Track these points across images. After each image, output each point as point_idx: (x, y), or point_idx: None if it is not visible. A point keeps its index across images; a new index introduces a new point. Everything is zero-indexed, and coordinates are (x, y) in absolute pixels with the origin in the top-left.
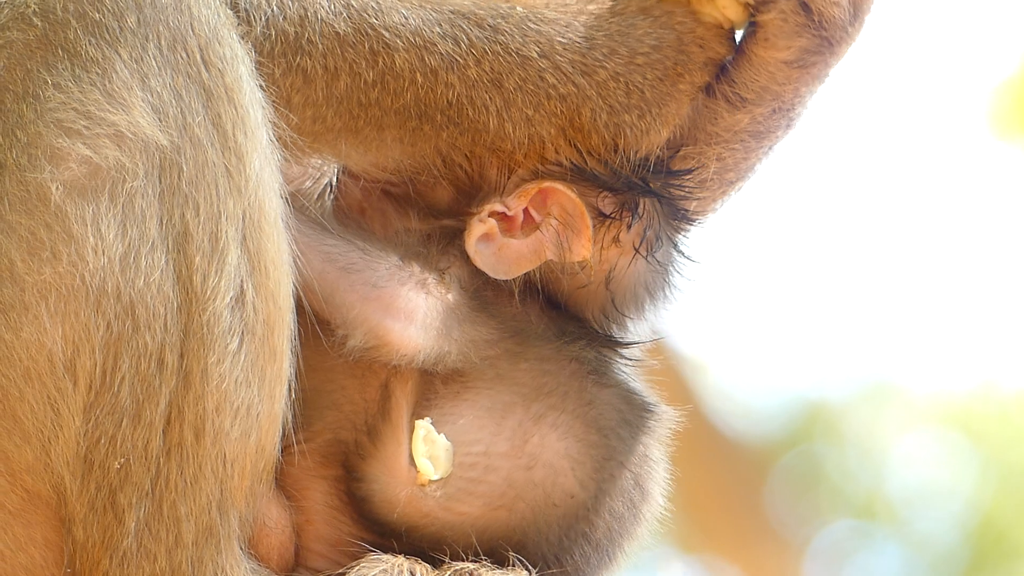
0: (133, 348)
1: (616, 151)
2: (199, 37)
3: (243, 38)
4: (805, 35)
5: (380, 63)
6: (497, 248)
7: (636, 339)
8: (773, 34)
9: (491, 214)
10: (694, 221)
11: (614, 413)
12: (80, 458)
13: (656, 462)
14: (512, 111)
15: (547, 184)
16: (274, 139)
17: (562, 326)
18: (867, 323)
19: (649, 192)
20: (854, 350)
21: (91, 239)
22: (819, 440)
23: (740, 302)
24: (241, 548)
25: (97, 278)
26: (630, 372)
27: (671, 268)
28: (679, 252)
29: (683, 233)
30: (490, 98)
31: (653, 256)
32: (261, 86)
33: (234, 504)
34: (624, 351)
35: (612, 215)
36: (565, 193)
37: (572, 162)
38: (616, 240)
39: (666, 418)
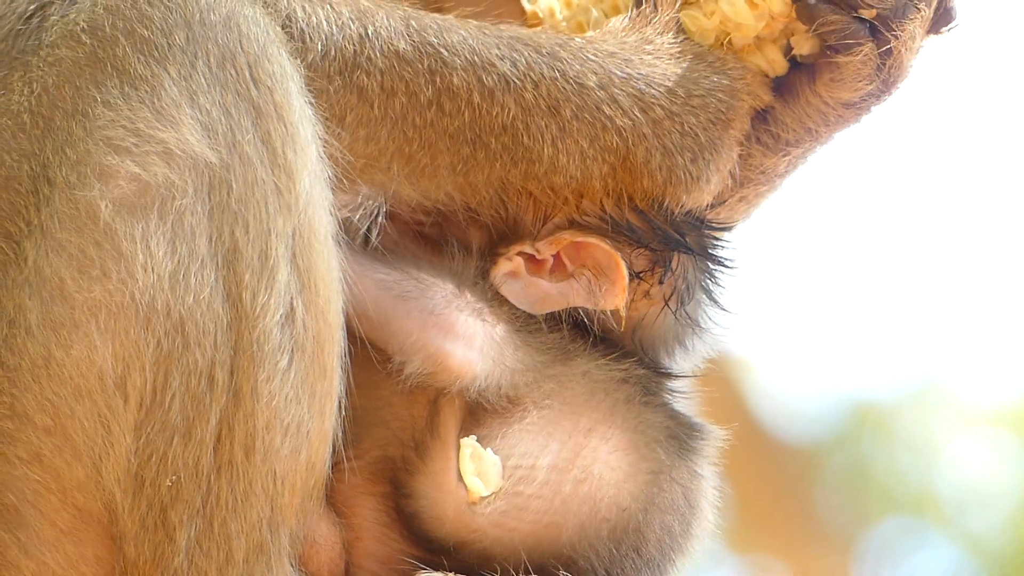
0: (183, 365)
1: (662, 203)
2: (248, 54)
3: (295, 57)
4: (876, 80)
5: (438, 82)
6: (524, 285)
7: (682, 372)
8: (848, 76)
9: (519, 254)
10: (728, 270)
11: (663, 429)
12: (131, 476)
13: (706, 479)
14: (567, 141)
15: (581, 238)
16: (324, 156)
17: (611, 348)
18: (917, 325)
19: (686, 248)
20: (904, 352)
21: (141, 257)
22: (868, 440)
23: (789, 303)
24: (291, 565)
25: (147, 296)
26: (678, 397)
27: (701, 319)
28: (712, 300)
29: (716, 283)
30: (546, 125)
31: (683, 309)
32: (311, 103)
33: (284, 521)
34: (672, 381)
35: (644, 272)
36: (600, 247)
37: (610, 216)
38: (647, 294)
39: (714, 437)
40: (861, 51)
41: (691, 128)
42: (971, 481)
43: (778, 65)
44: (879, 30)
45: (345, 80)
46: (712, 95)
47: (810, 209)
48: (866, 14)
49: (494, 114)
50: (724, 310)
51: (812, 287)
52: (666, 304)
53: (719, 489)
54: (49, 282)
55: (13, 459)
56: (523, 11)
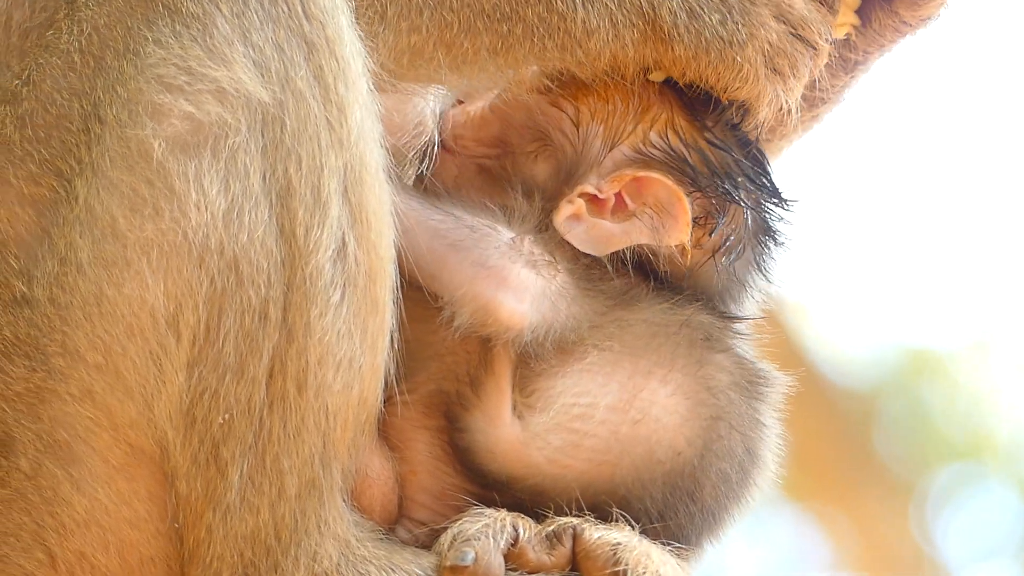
0: (236, 303)
1: (710, 83)
2: None
3: None
4: None
5: None
6: (587, 227)
7: (745, 315)
8: None
9: (581, 195)
10: (782, 243)
11: (725, 375)
12: (183, 413)
13: (768, 428)
14: (596, 3)
15: (643, 173)
16: (374, 89)
17: (673, 291)
18: (975, 271)
19: (740, 200)
20: (961, 298)
21: (193, 195)
22: (926, 387)
23: (849, 249)
24: (344, 500)
25: (200, 234)
26: (742, 340)
27: (748, 276)
28: (758, 265)
29: (768, 251)
30: None
31: (732, 264)
32: (361, 34)
33: (336, 456)
34: (734, 323)
35: (698, 218)
36: (662, 181)
37: (671, 150)
38: (699, 243)
39: (779, 384)
40: None
41: None
42: None
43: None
44: None
45: None
46: None
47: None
48: None
49: None
50: (767, 279)
51: (871, 233)
52: (712, 256)
53: (781, 437)
54: (101, 220)
55: (65, 396)
56: None
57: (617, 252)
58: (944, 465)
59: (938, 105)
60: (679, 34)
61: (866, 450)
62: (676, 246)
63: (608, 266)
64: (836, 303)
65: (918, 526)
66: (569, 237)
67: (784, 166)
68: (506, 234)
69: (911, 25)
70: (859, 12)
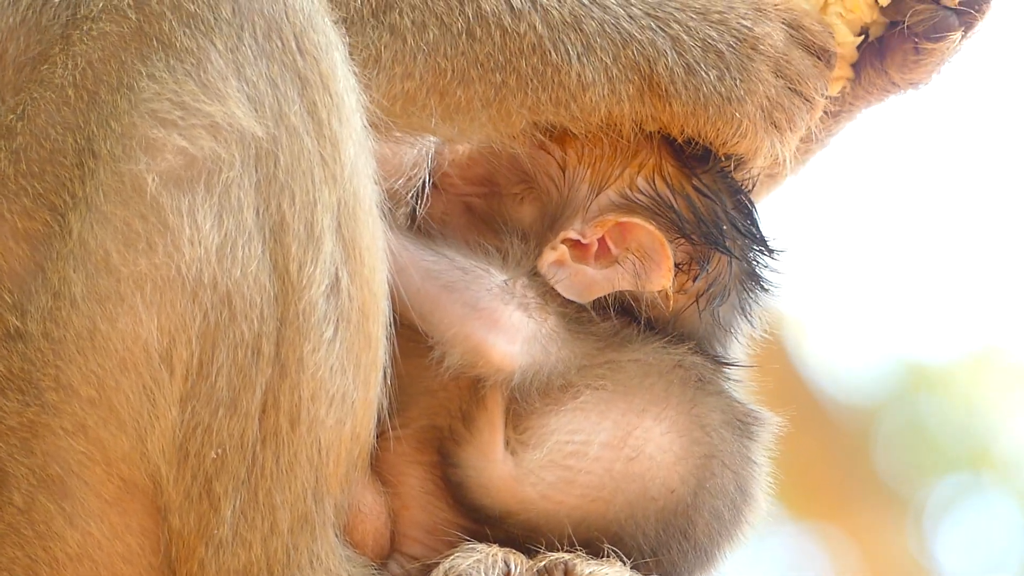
0: (230, 338)
1: (707, 139)
2: (294, 25)
3: (334, 13)
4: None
5: (468, 10)
6: (570, 273)
7: (736, 359)
8: (932, 61)
9: (564, 241)
10: (768, 290)
11: (717, 414)
12: (176, 447)
13: (759, 467)
14: (592, 59)
15: (626, 219)
16: (367, 125)
17: (663, 333)
18: (971, 284)
19: (725, 249)
20: (958, 311)
21: (187, 230)
22: (923, 401)
23: (845, 264)
24: (336, 535)
25: (193, 269)
26: (733, 382)
27: (732, 323)
28: (744, 316)
29: (753, 299)
30: (571, 42)
31: (716, 309)
32: (354, 72)
33: (329, 491)
34: (725, 366)
35: (681, 265)
36: (645, 228)
37: (658, 196)
38: (682, 289)
39: (770, 424)
40: (950, 38)
41: (712, 43)
42: None
43: (848, 50)
44: (964, 14)
45: (380, 20)
46: (733, 11)
47: (868, 170)
48: (950, 3)
49: (523, 32)
50: (752, 325)
51: (869, 248)
52: (696, 301)
53: (776, 463)
54: (94, 255)
55: (58, 430)
56: None
57: (601, 297)
58: (942, 479)
59: (935, 121)
60: (676, 90)
61: (864, 465)
62: (659, 292)
63: (591, 312)
64: (834, 318)
65: (917, 540)
66: (553, 283)
67: (777, 200)
68: (499, 276)
69: (899, 87)
70: (853, 66)
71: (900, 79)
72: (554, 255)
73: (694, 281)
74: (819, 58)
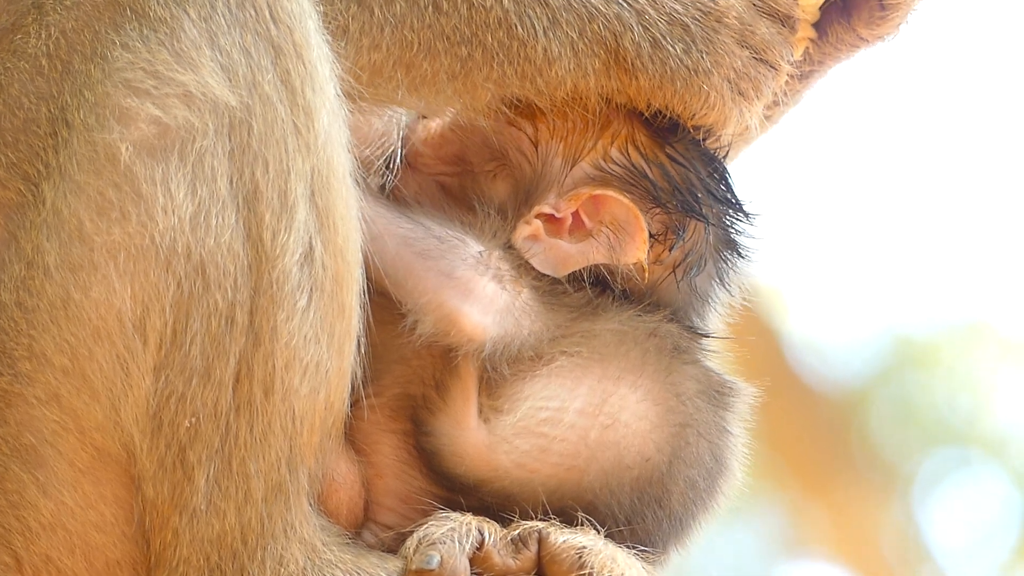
0: (203, 307)
1: (676, 111)
2: None
3: None
4: (910, 16)
5: None
6: (545, 248)
7: (712, 331)
8: (900, 15)
9: (538, 215)
10: (744, 256)
11: (693, 383)
12: (150, 416)
13: (735, 437)
14: (558, 32)
15: (599, 191)
16: (341, 94)
17: (638, 301)
18: (960, 257)
19: (701, 216)
20: (947, 285)
21: (161, 199)
22: (911, 375)
23: (830, 239)
24: (310, 504)
25: (167, 238)
26: (710, 353)
27: (710, 292)
28: (722, 285)
29: (729, 265)
30: (537, 16)
31: (693, 279)
32: (328, 40)
33: (303, 460)
34: (701, 337)
35: (658, 235)
36: (618, 200)
37: (632, 166)
38: (659, 259)
39: (745, 395)
40: None
41: (678, 17)
42: (1016, 414)
43: (811, 12)
44: None
45: None
46: None
47: (851, 142)
48: None
49: (489, 6)
50: (730, 293)
51: (857, 220)
52: (672, 272)
53: (750, 444)
54: (67, 224)
55: (31, 399)
56: None
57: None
58: (931, 453)
59: (919, 87)
60: (643, 64)
61: (853, 439)
62: (634, 264)
63: (566, 284)
64: (820, 291)
65: (905, 515)
66: (528, 257)
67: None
68: (475, 247)
69: (868, 41)
70: (816, 25)
71: (868, 34)
72: (528, 229)
73: (670, 251)
74: (783, 24)
